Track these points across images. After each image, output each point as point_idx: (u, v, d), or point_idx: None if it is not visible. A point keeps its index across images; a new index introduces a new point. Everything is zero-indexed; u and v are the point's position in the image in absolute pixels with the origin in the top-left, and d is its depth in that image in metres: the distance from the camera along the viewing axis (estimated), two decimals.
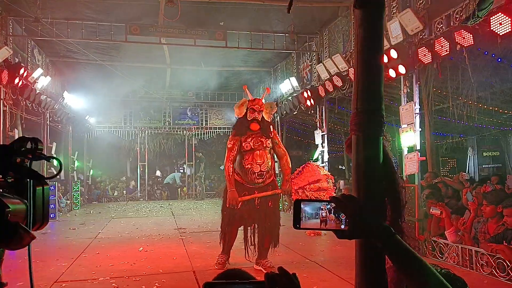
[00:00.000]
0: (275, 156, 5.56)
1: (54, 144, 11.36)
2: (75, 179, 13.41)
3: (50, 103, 10.34)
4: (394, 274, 1.13)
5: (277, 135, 5.59)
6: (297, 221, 1.12)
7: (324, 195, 5.38)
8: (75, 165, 13.83)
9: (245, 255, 5.26)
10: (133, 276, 4.99)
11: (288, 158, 5.49)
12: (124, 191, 16.29)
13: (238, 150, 5.26)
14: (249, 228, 5.34)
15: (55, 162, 1.00)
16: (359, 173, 1.17)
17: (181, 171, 17.67)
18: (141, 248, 6.66)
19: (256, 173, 5.12)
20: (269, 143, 5.27)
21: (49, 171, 9.93)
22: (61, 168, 1.01)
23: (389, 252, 1.06)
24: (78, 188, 13.10)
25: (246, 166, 5.15)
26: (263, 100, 5.46)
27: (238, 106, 5.39)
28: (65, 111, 11.90)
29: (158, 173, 17.74)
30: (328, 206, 1.11)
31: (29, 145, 0.93)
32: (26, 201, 0.90)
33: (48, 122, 11.08)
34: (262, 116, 5.30)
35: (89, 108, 13.79)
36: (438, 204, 5.74)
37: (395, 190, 1.23)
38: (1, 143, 7.94)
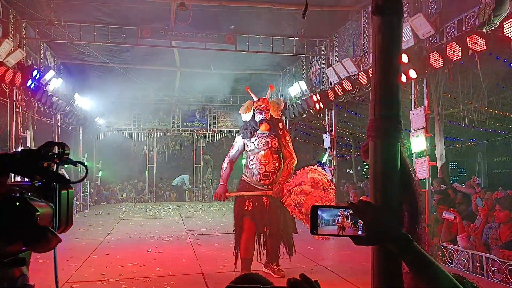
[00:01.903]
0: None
1: None
2: (85, 180, 13.51)
3: (61, 105, 10.46)
4: (411, 280, 1.13)
5: (287, 135, 5.36)
6: (314, 227, 1.12)
7: (302, 199, 4.81)
8: None
9: (256, 258, 5.09)
10: (142, 277, 5.03)
11: (292, 161, 5.19)
12: (133, 193, 16.38)
13: (242, 149, 5.22)
14: (261, 234, 5.14)
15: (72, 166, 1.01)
16: (377, 179, 1.18)
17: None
18: (150, 250, 6.70)
19: (261, 174, 5.00)
20: (275, 144, 5.12)
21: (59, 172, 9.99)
22: (87, 172, 1.03)
23: (406, 258, 1.06)
24: (87, 189, 13.20)
25: (251, 167, 5.09)
26: (268, 98, 5.32)
27: (244, 109, 5.29)
28: (75, 113, 12.02)
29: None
30: (346, 212, 1.12)
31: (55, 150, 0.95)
32: (52, 204, 0.92)
33: (59, 123, 11.20)
34: (271, 114, 5.18)
35: (99, 110, 13.91)
36: (451, 209, 5.71)
37: (413, 197, 1.24)
38: (14, 145, 8.07)
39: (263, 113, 5.12)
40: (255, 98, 5.33)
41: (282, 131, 5.23)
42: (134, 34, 9.08)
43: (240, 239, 4.95)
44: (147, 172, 16.40)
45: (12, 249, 0.82)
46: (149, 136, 16.34)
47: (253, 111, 5.19)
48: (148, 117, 16.13)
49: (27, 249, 0.85)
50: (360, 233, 1.09)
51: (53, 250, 0.88)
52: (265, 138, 5.10)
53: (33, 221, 0.79)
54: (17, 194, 0.82)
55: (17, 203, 0.79)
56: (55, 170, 0.92)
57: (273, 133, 5.13)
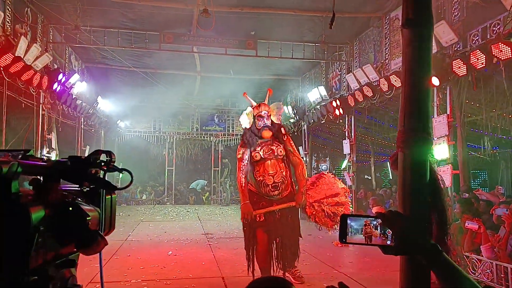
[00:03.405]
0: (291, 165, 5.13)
1: (88, 147, 11.73)
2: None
3: (85, 108, 10.71)
4: None
5: (291, 140, 5.07)
6: (343, 236, 1.15)
7: (342, 210, 4.94)
8: None
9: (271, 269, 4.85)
10: (163, 279, 5.10)
11: (304, 167, 5.07)
12: (152, 195, 16.60)
13: (249, 160, 4.84)
14: (274, 242, 4.90)
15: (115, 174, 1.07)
16: (406, 190, 1.20)
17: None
18: (170, 252, 6.78)
19: (270, 185, 4.72)
20: (281, 151, 4.83)
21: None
22: (132, 179, 1.08)
23: (436, 269, 1.07)
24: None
25: (258, 178, 4.76)
26: (267, 103, 5.04)
27: (244, 116, 5.01)
28: (98, 116, 12.29)
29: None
30: (374, 222, 1.14)
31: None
32: (98, 209, 0.97)
33: (82, 126, 11.46)
34: (271, 120, 4.90)
35: (121, 113, 14.18)
36: (475, 219, 5.62)
37: (441, 208, 1.25)
38: (40, 146, 8.31)
39: (264, 119, 4.85)
40: (254, 104, 5.02)
41: (285, 137, 4.98)
42: (157, 39, 9.26)
43: (256, 252, 4.78)
44: (166, 174, 16.61)
45: (64, 251, 0.88)
46: (169, 139, 16.57)
47: (254, 118, 4.91)
48: (167, 121, 16.36)
49: (77, 251, 0.91)
50: (388, 242, 1.12)
51: (99, 253, 0.94)
52: (270, 146, 4.82)
53: (85, 225, 0.85)
54: (70, 199, 0.88)
55: (70, 208, 0.85)
56: (102, 177, 0.98)
57: (277, 140, 4.88)
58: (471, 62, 5.58)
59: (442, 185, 1.29)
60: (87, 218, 0.85)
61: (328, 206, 4.88)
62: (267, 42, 9.72)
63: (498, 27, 5.45)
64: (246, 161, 4.81)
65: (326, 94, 10.90)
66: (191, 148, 17.28)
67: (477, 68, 5.53)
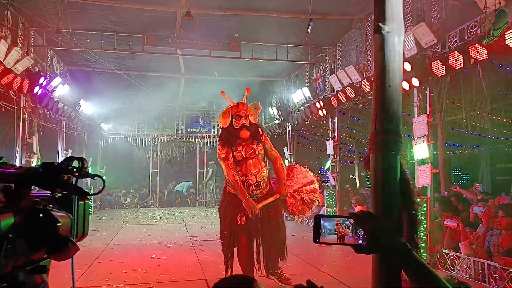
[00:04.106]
0: (267, 161, 5.17)
1: (70, 151, 11.56)
2: (89, 186, 13.60)
3: (67, 111, 10.57)
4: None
5: (267, 138, 5.09)
6: (317, 236, 1.18)
7: (317, 196, 5.14)
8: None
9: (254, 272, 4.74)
10: (146, 283, 5.07)
11: (282, 160, 5.06)
12: (136, 198, 16.45)
13: (233, 159, 4.74)
14: (254, 244, 4.83)
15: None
16: (377, 191, 1.23)
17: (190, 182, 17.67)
18: (154, 256, 6.74)
19: (253, 185, 4.67)
20: (261, 149, 4.83)
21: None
22: (104, 185, 1.09)
23: (405, 267, 1.10)
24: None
25: (241, 178, 4.66)
26: (245, 102, 4.98)
27: (221, 116, 4.89)
28: (80, 119, 12.14)
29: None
30: (347, 222, 1.17)
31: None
32: (70, 215, 0.98)
33: (64, 129, 11.30)
34: (249, 120, 4.84)
35: (104, 116, 14.03)
36: (454, 217, 5.74)
37: (412, 207, 1.29)
38: (20, 150, 8.16)
39: (243, 118, 4.78)
40: (232, 103, 4.96)
41: (263, 137, 4.95)
42: (140, 42, 9.20)
43: (238, 256, 4.72)
44: (150, 177, 16.48)
45: (35, 257, 0.88)
46: (153, 142, 16.46)
47: (232, 117, 4.82)
48: (152, 123, 16.27)
49: (48, 257, 0.91)
50: (360, 242, 1.14)
51: (71, 258, 0.94)
52: (250, 145, 4.77)
53: (56, 231, 0.85)
54: (41, 206, 0.88)
55: (41, 215, 0.85)
56: (74, 183, 0.98)
57: (255, 139, 4.83)
58: (449, 63, 5.70)
59: (412, 185, 1.32)
60: (58, 224, 0.86)
61: (306, 194, 4.98)
62: (251, 44, 9.75)
63: (475, 28, 5.58)
64: (232, 160, 4.75)
65: (310, 95, 10.98)
66: (176, 150, 17.19)
67: (456, 69, 5.66)
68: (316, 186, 5.11)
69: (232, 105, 4.91)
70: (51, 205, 0.93)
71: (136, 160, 17.45)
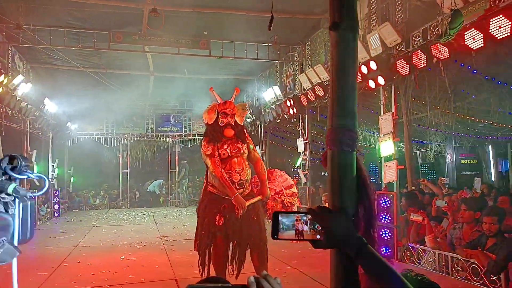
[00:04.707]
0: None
1: (35, 151, 11.18)
2: (56, 187, 13.21)
3: (30, 110, 10.21)
4: (367, 282, 1.20)
5: (251, 139, 5.03)
6: (275, 232, 1.18)
7: (296, 200, 5.24)
8: (56, 173, 13.63)
9: (236, 277, 4.51)
10: (114, 285, 4.97)
11: (263, 163, 5.01)
12: (106, 199, 16.10)
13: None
14: (230, 244, 4.68)
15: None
16: (334, 186, 1.24)
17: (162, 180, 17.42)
18: (123, 257, 6.62)
19: (236, 183, 4.58)
20: (245, 149, 4.76)
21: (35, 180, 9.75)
22: (45, 185, 1.05)
23: (361, 260, 1.12)
24: (58, 196, 12.91)
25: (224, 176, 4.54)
26: (233, 102, 4.90)
27: (207, 111, 4.79)
28: (45, 118, 11.76)
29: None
30: (305, 218, 1.18)
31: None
32: (9, 217, 0.94)
33: (28, 129, 10.92)
34: (235, 120, 4.78)
35: (70, 115, 13.65)
36: (419, 211, 5.91)
37: (368, 202, 1.31)
38: None
39: (229, 117, 4.70)
40: (219, 101, 4.88)
41: (248, 138, 4.90)
42: (106, 39, 8.99)
43: (213, 257, 4.61)
44: (120, 178, 16.16)
45: None
46: (123, 141, 16.13)
47: (218, 114, 4.74)
48: (121, 122, 15.94)
49: None
50: (318, 237, 1.15)
51: (12, 262, 0.91)
52: (235, 144, 4.71)
53: None
54: None
55: None
56: (16, 183, 0.94)
57: (240, 139, 4.76)
58: (413, 61, 5.86)
59: (368, 179, 1.35)
60: None
61: (286, 198, 5.00)
62: (221, 42, 9.71)
63: (437, 28, 5.76)
64: (218, 157, 4.62)
65: (280, 93, 11.06)
66: (146, 150, 16.91)
67: (419, 67, 5.82)
68: (295, 190, 5.16)
69: (219, 102, 4.83)
70: None
71: (105, 160, 17.05)
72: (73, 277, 5.39)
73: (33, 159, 10.92)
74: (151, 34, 8.88)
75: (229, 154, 4.62)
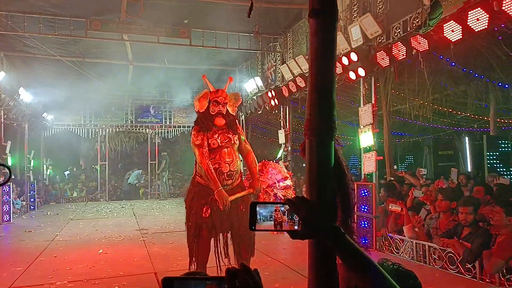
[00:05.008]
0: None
1: (9, 142, 10.85)
2: (31, 179, 12.88)
3: (4, 100, 9.91)
4: (345, 272, 1.19)
5: (243, 131, 5.01)
6: (252, 223, 1.15)
7: (290, 193, 5.21)
8: (31, 165, 13.28)
9: (217, 271, 4.39)
10: (91, 279, 4.89)
11: (254, 155, 4.93)
12: (84, 192, 15.81)
13: (207, 146, 4.53)
14: (220, 238, 4.63)
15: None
16: (312, 176, 1.22)
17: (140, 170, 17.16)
18: (101, 251, 6.52)
19: (226, 174, 4.50)
20: (236, 140, 4.68)
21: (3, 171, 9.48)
22: (10, 176, 1.00)
23: (338, 250, 1.11)
24: (34, 188, 12.61)
25: (214, 166, 4.47)
26: (226, 91, 4.80)
27: (198, 98, 4.67)
28: (20, 108, 11.42)
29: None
30: (283, 208, 1.15)
31: None
32: None
33: (2, 119, 10.59)
34: (227, 109, 4.69)
35: (47, 105, 13.29)
36: (398, 202, 6.00)
37: (346, 192, 1.29)
38: None
39: (220, 106, 4.60)
40: (212, 89, 4.76)
41: (239, 129, 4.84)
42: (83, 26, 8.75)
43: (198, 247, 4.51)
44: (98, 170, 15.87)
45: None
46: (101, 133, 15.81)
47: (209, 102, 4.63)
48: (99, 113, 15.59)
49: None
50: (296, 227, 1.13)
51: None
52: (226, 134, 4.62)
53: None
54: None
55: None
56: None
57: (231, 129, 4.68)
58: (393, 53, 5.90)
59: (346, 170, 1.33)
60: None
61: (280, 190, 4.93)
62: (201, 31, 9.58)
63: (417, 20, 5.79)
64: (206, 148, 4.53)
65: (262, 84, 11.01)
66: (125, 141, 16.61)
67: (398, 59, 5.86)
68: (289, 183, 5.16)
69: (211, 90, 4.72)
70: None
71: (83, 151, 16.71)
72: (49, 272, 5.27)
73: (7, 151, 10.60)
74: (130, 22, 8.69)
75: (219, 144, 4.54)
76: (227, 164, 4.51)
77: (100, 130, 15.75)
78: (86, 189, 15.89)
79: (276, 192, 5.11)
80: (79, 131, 15.42)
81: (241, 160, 5.00)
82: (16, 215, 10.75)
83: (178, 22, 9.15)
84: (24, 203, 11.83)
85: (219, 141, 4.54)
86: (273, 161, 7.20)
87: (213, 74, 12.84)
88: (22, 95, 11.20)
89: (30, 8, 8.40)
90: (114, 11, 8.47)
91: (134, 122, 16.10)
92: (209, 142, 4.53)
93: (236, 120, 4.84)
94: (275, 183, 5.14)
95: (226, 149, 4.55)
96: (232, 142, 4.61)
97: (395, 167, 9.16)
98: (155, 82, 13.65)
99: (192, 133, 4.67)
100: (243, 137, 4.83)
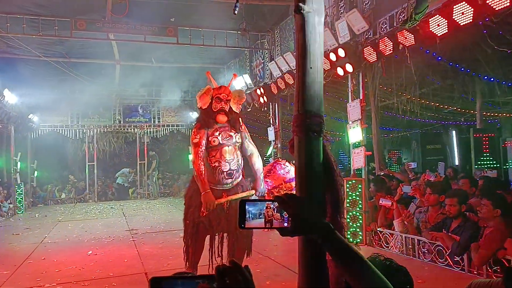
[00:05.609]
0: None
1: None
2: (18, 182, 12.69)
3: None
4: (335, 267, 1.18)
5: (246, 129, 4.84)
6: (242, 221, 1.14)
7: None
8: (18, 167, 13.07)
9: (209, 269, 4.41)
10: (81, 281, 4.83)
11: (258, 155, 4.80)
12: (72, 193, 15.63)
13: (206, 145, 4.45)
14: (216, 237, 4.59)
15: None
16: (301, 172, 1.22)
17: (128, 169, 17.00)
18: (90, 252, 6.45)
19: (225, 172, 4.41)
20: (238, 138, 4.57)
21: None
22: None
23: (328, 246, 1.10)
24: (22, 191, 12.43)
25: (213, 164, 4.40)
26: (230, 88, 4.70)
27: (201, 95, 4.55)
28: (6, 110, 11.23)
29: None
30: (272, 205, 1.15)
31: None
32: None
33: None
34: (230, 106, 4.57)
35: (33, 107, 13.09)
36: (388, 196, 6.04)
37: (335, 188, 1.29)
38: None
39: (223, 102, 4.49)
40: (215, 85, 4.68)
41: (242, 127, 4.70)
42: (68, 26, 8.62)
43: (192, 246, 4.47)
44: (87, 170, 15.70)
45: None
46: (89, 133, 15.63)
47: (212, 99, 4.52)
48: (87, 113, 15.41)
49: None
50: (286, 224, 1.13)
51: None
52: (228, 132, 4.52)
53: None
54: None
55: None
56: None
57: (233, 127, 4.57)
58: (380, 49, 5.92)
59: (335, 166, 1.32)
60: None
61: (287, 191, 4.77)
62: (188, 29, 9.51)
63: (403, 15, 5.82)
64: (203, 147, 4.43)
65: (251, 82, 10.99)
66: (114, 141, 16.45)
67: (386, 54, 5.89)
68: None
69: (215, 87, 4.64)
70: None
71: (71, 153, 16.50)
72: (38, 274, 5.20)
73: None
74: (115, 21, 8.59)
75: (220, 142, 4.44)
76: (227, 163, 4.41)
77: (88, 130, 15.58)
78: (74, 190, 15.73)
79: (282, 194, 4.93)
80: (66, 132, 15.23)
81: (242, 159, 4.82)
82: (4, 218, 10.58)
83: (164, 20, 9.08)
84: (11, 205, 11.65)
85: (220, 138, 4.45)
86: (280, 159, 6.86)
87: (201, 72, 12.79)
88: (7, 96, 11.00)
89: (13, 8, 8.27)
90: (99, 10, 8.37)
91: (122, 122, 15.96)
92: (210, 139, 4.45)
93: (240, 118, 4.72)
94: (281, 184, 4.98)
95: (227, 147, 4.44)
96: (234, 140, 4.51)
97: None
98: (143, 81, 13.53)
99: (193, 130, 4.59)
100: (247, 136, 4.72)
